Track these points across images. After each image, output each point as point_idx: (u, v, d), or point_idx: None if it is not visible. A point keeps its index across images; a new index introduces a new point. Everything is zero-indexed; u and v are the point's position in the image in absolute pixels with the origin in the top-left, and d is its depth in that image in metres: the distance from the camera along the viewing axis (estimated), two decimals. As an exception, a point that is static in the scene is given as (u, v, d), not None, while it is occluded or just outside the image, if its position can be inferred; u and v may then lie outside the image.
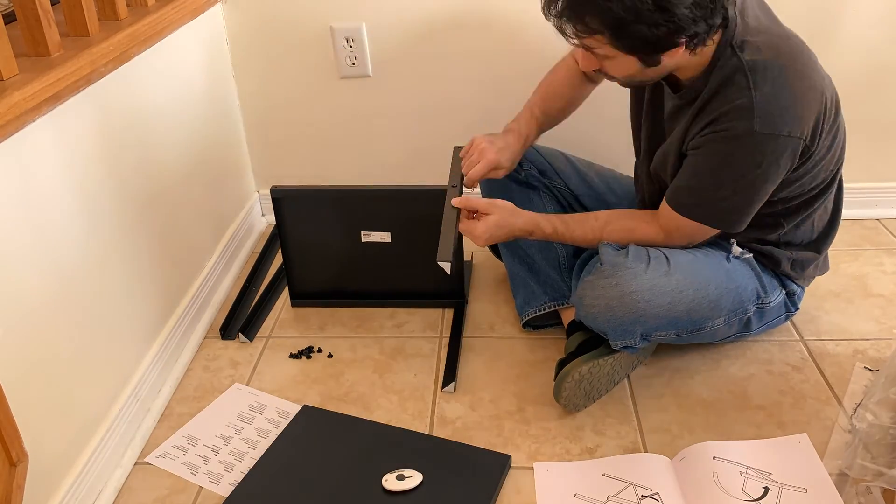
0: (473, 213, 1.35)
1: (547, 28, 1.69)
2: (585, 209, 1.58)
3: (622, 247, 1.32)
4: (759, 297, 1.38)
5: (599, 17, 1.12)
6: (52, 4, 1.13)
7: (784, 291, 1.42)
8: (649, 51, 1.16)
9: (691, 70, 1.24)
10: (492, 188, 1.58)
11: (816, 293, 1.65)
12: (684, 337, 1.34)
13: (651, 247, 1.32)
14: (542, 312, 1.52)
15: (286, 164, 1.99)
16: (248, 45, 1.86)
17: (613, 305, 1.27)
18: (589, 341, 1.36)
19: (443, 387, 1.43)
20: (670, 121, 1.33)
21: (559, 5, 1.16)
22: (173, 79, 1.56)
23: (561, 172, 1.60)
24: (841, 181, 1.39)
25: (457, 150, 1.50)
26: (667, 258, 1.30)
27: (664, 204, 1.31)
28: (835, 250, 1.81)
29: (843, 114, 1.32)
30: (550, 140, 1.64)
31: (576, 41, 1.18)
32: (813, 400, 1.37)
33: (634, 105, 1.45)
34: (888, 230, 1.90)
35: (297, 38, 1.84)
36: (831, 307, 1.62)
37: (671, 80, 1.30)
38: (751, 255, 1.38)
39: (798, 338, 1.53)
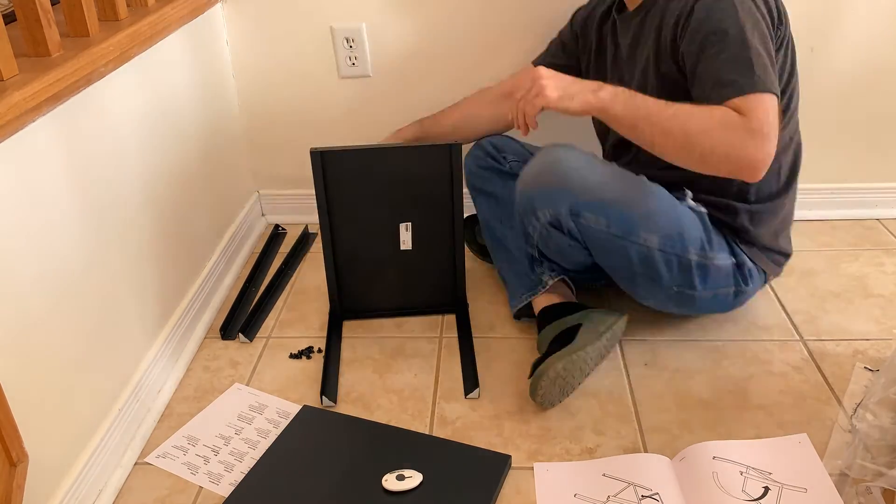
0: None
1: (547, 28, 1.70)
2: None
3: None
4: (703, 248, 1.36)
5: None
6: (52, 4, 1.13)
7: (733, 260, 1.40)
8: None
9: None
10: (475, 178, 1.62)
11: (816, 293, 1.65)
12: (617, 239, 1.31)
13: (727, 125, 1.18)
14: (524, 304, 1.54)
15: (286, 165, 1.99)
16: (248, 46, 1.87)
17: (543, 172, 1.32)
18: (561, 336, 1.37)
19: (466, 394, 1.41)
20: (634, 41, 1.36)
21: None
22: (173, 79, 1.56)
23: None
24: (799, 144, 1.42)
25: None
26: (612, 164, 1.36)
27: (717, 105, 1.20)
28: (835, 250, 1.82)
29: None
30: (535, 136, 1.65)
31: None
32: (813, 400, 1.37)
33: (590, 71, 1.51)
34: (888, 230, 1.90)
35: (297, 38, 1.85)
36: (831, 307, 1.62)
37: (619, 8, 1.38)
38: (704, 210, 1.38)
39: (798, 338, 1.53)
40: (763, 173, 1.19)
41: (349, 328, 1.63)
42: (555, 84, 1.23)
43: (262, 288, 1.77)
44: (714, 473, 1.20)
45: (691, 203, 1.38)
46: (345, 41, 1.84)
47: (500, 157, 1.60)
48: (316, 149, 1.48)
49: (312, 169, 1.49)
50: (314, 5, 1.81)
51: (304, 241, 1.96)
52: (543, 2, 1.76)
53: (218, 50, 1.82)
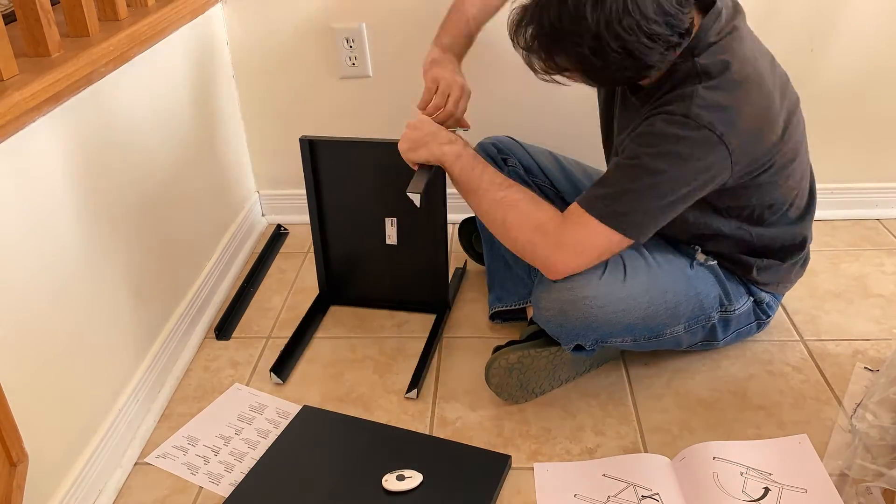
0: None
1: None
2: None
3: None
4: (722, 304, 1.36)
5: (569, 59, 1.12)
6: (52, 4, 1.13)
7: (752, 299, 1.40)
8: (619, 83, 1.19)
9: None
10: None
11: (816, 293, 1.65)
12: (643, 344, 1.33)
13: (538, 228, 1.22)
14: (510, 308, 1.55)
15: (286, 165, 1.99)
16: (248, 45, 1.86)
17: (567, 310, 1.26)
18: (541, 332, 1.37)
19: (406, 392, 1.42)
20: (626, 117, 1.31)
21: (528, 40, 1.14)
22: (173, 79, 1.56)
23: (546, 171, 1.60)
24: (813, 191, 1.38)
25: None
26: (624, 266, 1.29)
27: (575, 202, 1.23)
28: (835, 250, 1.82)
29: (818, 124, 1.29)
30: (538, 138, 1.66)
31: (544, 76, 1.18)
32: (813, 400, 1.37)
33: (604, 105, 1.44)
34: (888, 230, 1.90)
35: (297, 38, 1.84)
36: (831, 307, 1.62)
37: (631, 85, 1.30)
38: (715, 262, 1.36)
39: (798, 338, 1.53)
40: (562, 276, 1.24)
41: (348, 326, 1.63)
42: (408, 136, 1.31)
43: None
44: (714, 474, 1.20)
45: (701, 258, 1.36)
46: (345, 41, 1.84)
47: (501, 158, 1.59)
48: (306, 137, 1.52)
49: (301, 157, 1.53)
50: (314, 5, 1.81)
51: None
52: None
53: (218, 50, 1.82)
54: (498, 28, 1.79)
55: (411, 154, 1.30)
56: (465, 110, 1.40)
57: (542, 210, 1.24)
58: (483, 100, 1.82)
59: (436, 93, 1.38)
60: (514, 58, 1.78)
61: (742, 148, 1.16)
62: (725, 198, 1.26)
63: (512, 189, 1.26)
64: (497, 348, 1.38)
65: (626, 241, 1.19)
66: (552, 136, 1.74)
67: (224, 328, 1.63)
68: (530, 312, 1.52)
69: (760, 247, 1.35)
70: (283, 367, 1.49)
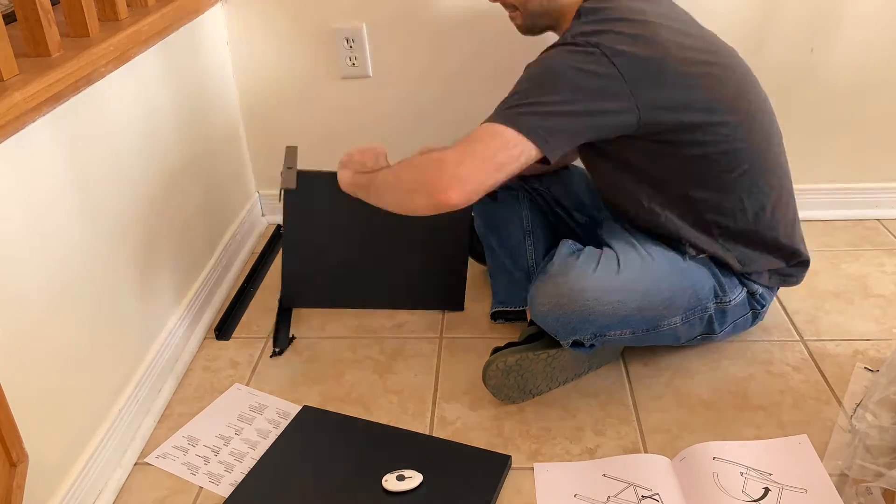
0: None
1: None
2: (568, 213, 1.59)
3: (575, 249, 1.34)
4: (717, 295, 1.36)
5: None
6: (53, 4, 1.13)
7: (745, 290, 1.40)
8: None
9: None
10: None
11: (816, 294, 1.65)
12: (641, 336, 1.33)
13: (430, 163, 1.21)
14: (510, 309, 1.56)
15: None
16: (248, 46, 1.86)
17: (563, 303, 1.27)
18: (539, 334, 1.37)
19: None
20: None
21: None
22: (173, 79, 1.56)
23: (542, 176, 1.60)
24: (783, 175, 1.37)
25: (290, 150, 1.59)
26: (618, 259, 1.30)
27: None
28: (835, 250, 1.82)
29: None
30: None
31: None
32: (813, 400, 1.37)
33: None
34: (888, 230, 1.90)
35: (297, 38, 1.84)
36: (831, 307, 1.62)
37: None
38: (705, 255, 1.36)
39: (798, 338, 1.53)
40: (459, 194, 1.16)
41: (348, 326, 1.63)
42: (343, 161, 1.42)
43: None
44: (714, 474, 1.20)
45: (692, 252, 1.36)
46: (345, 41, 1.84)
47: None
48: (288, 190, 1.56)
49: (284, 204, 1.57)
50: (314, 5, 1.81)
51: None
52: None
53: (218, 50, 1.82)
54: (502, 38, 1.79)
55: (339, 166, 1.43)
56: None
57: (421, 158, 1.26)
58: (477, 109, 1.82)
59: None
60: (514, 55, 1.79)
61: (635, 75, 1.18)
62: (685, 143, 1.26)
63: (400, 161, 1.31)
64: (495, 350, 1.38)
65: (524, 142, 1.16)
66: None
67: (224, 328, 1.63)
68: (529, 314, 1.52)
69: (732, 235, 1.34)
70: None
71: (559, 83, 1.19)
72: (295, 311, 1.69)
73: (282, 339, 1.57)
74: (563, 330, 1.30)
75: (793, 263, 1.42)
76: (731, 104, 1.28)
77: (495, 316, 1.60)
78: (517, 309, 1.55)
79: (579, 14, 1.26)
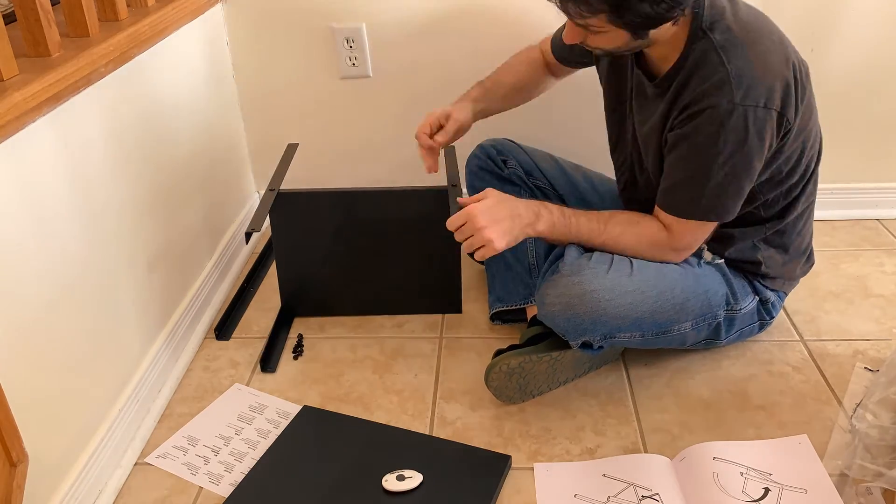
0: None
1: (549, 29, 1.70)
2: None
3: (587, 250, 1.33)
4: (728, 303, 1.37)
5: None
6: (53, 5, 1.13)
7: (757, 298, 1.41)
8: (647, 26, 1.17)
9: (666, 57, 1.25)
10: (475, 183, 1.60)
11: (816, 293, 1.65)
12: (650, 340, 1.33)
13: (653, 245, 1.31)
14: (511, 308, 1.55)
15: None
16: (248, 46, 1.86)
17: (574, 304, 1.26)
18: (541, 336, 1.37)
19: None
20: (650, 108, 1.31)
21: None
22: (173, 79, 1.56)
23: (547, 173, 1.60)
24: (816, 182, 1.39)
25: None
26: (630, 262, 1.30)
27: (657, 209, 1.30)
28: (835, 250, 1.82)
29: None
30: (538, 142, 1.66)
31: (580, 21, 1.17)
32: (813, 400, 1.37)
33: (614, 104, 1.44)
34: (888, 231, 1.90)
35: (297, 38, 1.84)
36: (831, 307, 1.62)
37: (645, 67, 1.31)
38: (722, 260, 1.38)
39: (798, 338, 1.53)
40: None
41: (348, 326, 1.63)
42: (498, 232, 1.25)
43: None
44: (714, 474, 1.20)
45: (708, 256, 1.38)
46: (345, 41, 1.84)
47: (501, 160, 1.60)
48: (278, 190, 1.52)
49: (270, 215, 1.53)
50: (314, 5, 1.81)
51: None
52: (544, 3, 1.75)
53: (218, 50, 1.82)
54: (502, 38, 1.79)
55: (513, 242, 1.28)
56: (452, 131, 1.49)
57: (645, 229, 1.32)
58: None
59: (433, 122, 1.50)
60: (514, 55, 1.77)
61: (781, 99, 1.20)
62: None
63: (609, 225, 1.32)
64: (498, 352, 1.38)
65: (719, 223, 1.30)
66: (551, 141, 1.75)
67: (224, 328, 1.63)
68: (530, 313, 1.52)
69: (767, 233, 1.36)
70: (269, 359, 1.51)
71: (732, 159, 1.21)
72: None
73: (272, 361, 1.52)
74: (574, 331, 1.29)
75: (807, 268, 1.46)
76: (812, 106, 1.31)
77: (494, 317, 1.59)
78: (515, 307, 1.55)
79: (714, 49, 1.19)
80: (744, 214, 1.32)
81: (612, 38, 1.19)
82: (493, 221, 1.25)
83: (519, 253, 1.53)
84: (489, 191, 1.30)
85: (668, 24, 1.17)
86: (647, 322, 1.30)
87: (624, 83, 1.38)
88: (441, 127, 1.49)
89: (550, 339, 1.36)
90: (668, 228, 1.30)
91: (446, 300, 1.64)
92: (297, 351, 1.55)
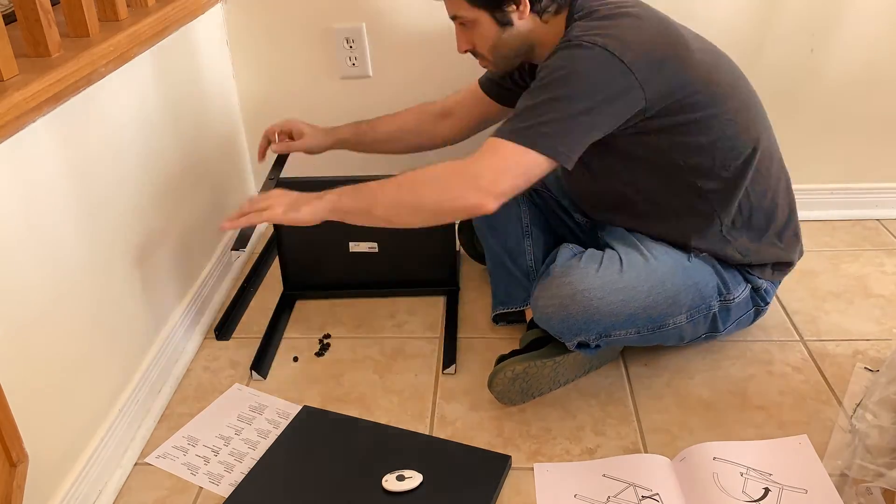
0: None
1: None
2: (567, 213, 1.59)
3: (576, 252, 1.34)
4: (721, 293, 1.37)
5: None
6: (53, 5, 1.13)
7: (749, 286, 1.40)
8: (497, 4, 1.24)
9: (546, 49, 1.27)
10: None
11: (816, 293, 1.65)
12: (647, 336, 1.34)
13: (451, 175, 1.22)
14: (511, 311, 1.56)
15: (286, 165, 1.99)
16: (248, 46, 1.87)
17: (567, 304, 1.27)
18: (542, 340, 1.37)
19: (443, 369, 1.47)
20: None
21: None
22: (173, 79, 1.56)
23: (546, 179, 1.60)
24: (780, 168, 1.38)
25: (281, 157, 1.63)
26: (620, 259, 1.31)
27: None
28: (835, 250, 1.82)
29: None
30: None
31: (452, 12, 1.30)
32: (813, 400, 1.37)
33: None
34: (888, 231, 1.90)
35: (297, 38, 1.84)
36: (831, 308, 1.62)
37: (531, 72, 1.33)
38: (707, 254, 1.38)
39: (798, 338, 1.53)
40: (495, 206, 1.19)
41: (348, 326, 1.63)
42: (281, 201, 1.27)
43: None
44: (714, 474, 1.20)
45: (695, 252, 1.37)
46: (345, 41, 1.84)
47: None
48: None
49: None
50: (314, 5, 1.81)
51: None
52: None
53: (218, 50, 1.82)
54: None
55: (294, 214, 1.26)
56: (289, 148, 1.61)
57: (443, 162, 1.23)
58: None
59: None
60: None
61: (642, 67, 1.18)
62: (681, 142, 1.27)
63: (399, 175, 1.25)
64: (501, 358, 1.38)
65: (544, 159, 1.17)
66: None
67: (224, 328, 1.63)
68: (529, 315, 1.52)
69: (723, 224, 1.35)
70: (262, 363, 1.52)
71: (571, 87, 1.18)
72: (295, 312, 1.69)
73: (265, 366, 1.51)
74: (568, 331, 1.30)
75: (792, 253, 1.44)
76: (730, 90, 1.29)
77: (497, 319, 1.60)
78: (517, 310, 1.55)
79: (572, 19, 1.25)
80: (688, 206, 1.32)
81: (483, 30, 1.28)
82: (284, 194, 1.30)
83: (517, 257, 1.54)
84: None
85: (526, 10, 1.24)
86: (641, 317, 1.30)
87: None
88: (291, 136, 1.59)
89: (552, 344, 1.37)
90: (479, 152, 1.21)
91: (445, 277, 1.69)
92: (322, 351, 1.56)
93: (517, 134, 1.18)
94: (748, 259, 1.38)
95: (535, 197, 1.59)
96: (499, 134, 1.20)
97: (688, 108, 1.24)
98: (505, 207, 1.54)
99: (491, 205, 1.19)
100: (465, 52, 1.34)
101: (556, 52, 1.22)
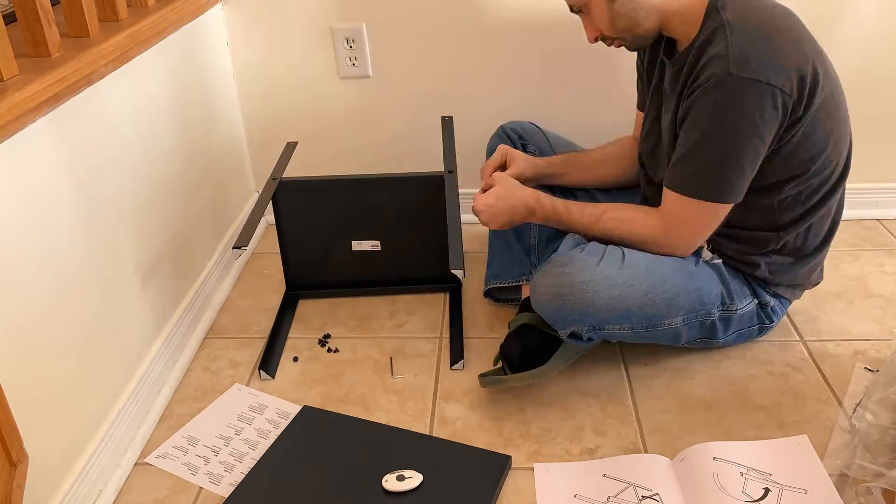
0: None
1: (547, 28, 1.70)
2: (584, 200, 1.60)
3: (579, 242, 1.35)
4: (724, 302, 1.37)
5: None
6: (53, 5, 1.13)
7: (756, 301, 1.41)
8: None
9: (686, 36, 1.26)
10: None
11: (816, 293, 1.65)
12: (641, 333, 1.34)
13: (646, 242, 1.31)
14: (503, 286, 1.58)
15: (285, 165, 1.99)
16: (248, 46, 1.87)
17: (563, 294, 1.28)
18: (530, 329, 1.38)
19: (451, 365, 1.48)
20: (670, 91, 1.34)
21: None
22: (173, 79, 1.56)
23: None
24: (842, 199, 1.38)
25: (290, 145, 1.66)
26: (622, 253, 1.31)
27: (664, 190, 1.30)
28: (835, 250, 1.80)
29: (847, 111, 1.32)
30: (560, 127, 1.69)
31: (571, 2, 1.29)
32: (813, 400, 1.37)
33: (642, 89, 1.48)
34: (888, 231, 1.90)
35: (297, 38, 1.85)
36: (831, 307, 1.62)
37: (670, 54, 1.33)
38: (720, 261, 1.38)
39: (798, 338, 1.53)
40: (692, 252, 1.34)
41: (348, 326, 1.63)
42: (490, 216, 1.37)
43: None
44: (714, 474, 1.20)
45: (706, 256, 1.38)
46: (345, 41, 1.84)
47: (520, 143, 1.60)
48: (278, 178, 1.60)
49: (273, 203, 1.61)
50: (314, 5, 1.81)
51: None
52: (543, 3, 1.76)
53: (218, 50, 1.82)
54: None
55: (493, 224, 1.38)
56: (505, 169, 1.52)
57: (640, 222, 1.33)
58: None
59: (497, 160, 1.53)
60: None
61: (793, 84, 1.19)
62: (779, 162, 1.27)
63: (601, 220, 1.35)
64: (503, 355, 1.39)
65: (724, 206, 1.27)
66: (575, 124, 1.75)
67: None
68: (525, 292, 1.53)
69: (780, 235, 1.35)
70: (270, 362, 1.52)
71: (733, 123, 1.19)
72: (296, 312, 1.69)
73: (272, 365, 1.51)
74: (562, 321, 1.31)
75: (814, 278, 1.46)
76: (837, 102, 1.29)
77: (487, 294, 1.62)
78: (508, 285, 1.57)
79: (723, 26, 1.20)
80: (759, 215, 1.32)
81: (597, 8, 1.27)
82: (493, 217, 1.37)
83: (521, 233, 1.55)
84: (496, 177, 1.40)
85: None
86: (637, 315, 1.30)
87: (655, 81, 1.41)
88: (504, 166, 1.52)
89: (557, 354, 1.37)
90: (664, 215, 1.30)
91: (447, 273, 1.67)
92: (325, 345, 1.58)
93: (702, 191, 1.25)
94: (767, 276, 1.38)
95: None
96: (681, 190, 1.26)
97: (815, 100, 1.23)
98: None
99: (687, 251, 1.34)
100: (595, 40, 1.33)
101: (710, 78, 1.19)
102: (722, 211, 1.28)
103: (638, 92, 1.54)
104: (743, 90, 1.17)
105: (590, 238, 1.36)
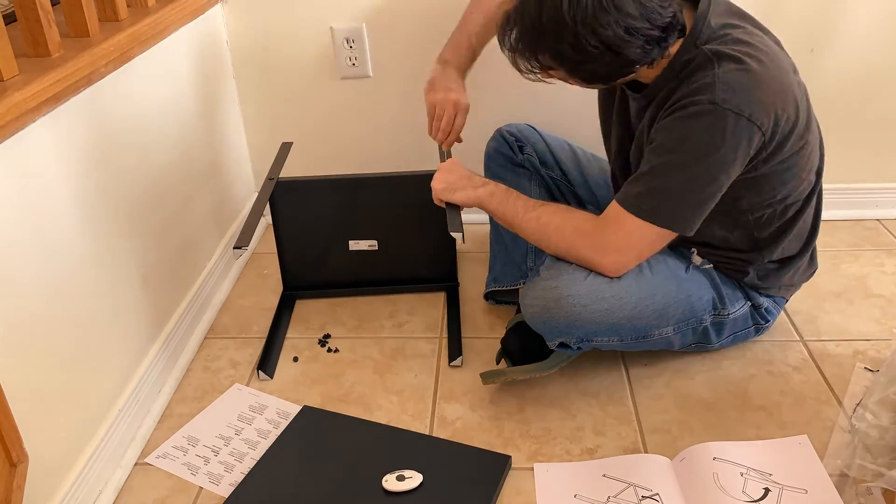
0: None
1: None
2: (580, 202, 1.60)
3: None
4: (715, 308, 1.36)
5: (552, 58, 1.15)
6: (53, 5, 1.13)
7: (749, 304, 1.40)
8: (605, 80, 1.19)
9: (653, 72, 1.22)
10: (490, 164, 1.62)
11: (816, 293, 1.65)
12: (630, 344, 1.33)
13: (579, 232, 1.26)
14: (504, 289, 1.58)
15: (286, 165, 1.99)
16: (248, 46, 1.86)
17: (550, 307, 1.27)
18: (532, 330, 1.37)
19: (450, 362, 1.49)
20: (637, 119, 1.31)
21: (512, 42, 1.16)
22: (173, 79, 1.56)
23: (562, 163, 1.61)
24: (820, 197, 1.38)
25: (285, 145, 1.67)
26: None
27: (612, 202, 1.24)
28: (835, 250, 1.82)
29: (819, 123, 1.31)
30: (558, 130, 1.68)
31: (530, 76, 1.20)
32: (813, 400, 1.37)
33: (603, 107, 1.45)
34: (888, 231, 1.90)
35: (297, 38, 1.84)
36: (831, 307, 1.61)
37: (632, 84, 1.28)
38: (711, 265, 1.37)
39: (798, 338, 1.53)
40: (616, 275, 1.27)
41: (348, 326, 1.63)
42: (442, 178, 1.37)
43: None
44: (714, 474, 1.20)
45: (696, 261, 1.37)
46: (345, 41, 1.84)
47: (517, 146, 1.60)
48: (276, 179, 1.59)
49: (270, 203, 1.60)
50: (314, 5, 1.81)
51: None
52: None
53: (218, 50, 1.82)
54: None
55: (447, 195, 1.37)
56: (462, 125, 1.48)
57: (577, 215, 1.29)
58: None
59: (434, 117, 1.47)
60: (511, 67, 1.78)
61: (770, 124, 1.16)
62: (749, 188, 1.25)
63: (544, 206, 1.32)
64: (505, 353, 1.40)
65: (669, 234, 1.22)
66: (573, 128, 1.74)
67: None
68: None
69: (762, 251, 1.35)
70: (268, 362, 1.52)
71: (696, 154, 1.15)
72: (295, 312, 1.69)
73: (270, 365, 1.51)
74: (550, 332, 1.31)
75: (808, 274, 1.46)
76: (809, 119, 1.27)
77: (488, 296, 1.63)
78: (508, 288, 1.57)
79: (710, 59, 1.15)
80: (736, 235, 1.32)
81: (564, 78, 1.20)
82: (447, 171, 1.38)
83: (518, 237, 1.54)
84: (442, 165, 1.41)
85: (639, 69, 1.16)
86: (626, 327, 1.30)
87: (611, 101, 1.39)
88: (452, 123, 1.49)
89: (552, 356, 1.37)
90: (604, 219, 1.24)
91: (444, 273, 1.71)
92: (325, 345, 1.58)
93: (647, 213, 1.19)
94: (757, 282, 1.38)
95: (550, 184, 1.59)
96: (626, 206, 1.20)
97: (788, 142, 1.21)
98: (518, 186, 1.54)
99: (612, 275, 1.27)
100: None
101: (693, 104, 1.14)
102: (663, 240, 1.23)
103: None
104: (724, 122, 1.13)
105: (522, 230, 1.32)
